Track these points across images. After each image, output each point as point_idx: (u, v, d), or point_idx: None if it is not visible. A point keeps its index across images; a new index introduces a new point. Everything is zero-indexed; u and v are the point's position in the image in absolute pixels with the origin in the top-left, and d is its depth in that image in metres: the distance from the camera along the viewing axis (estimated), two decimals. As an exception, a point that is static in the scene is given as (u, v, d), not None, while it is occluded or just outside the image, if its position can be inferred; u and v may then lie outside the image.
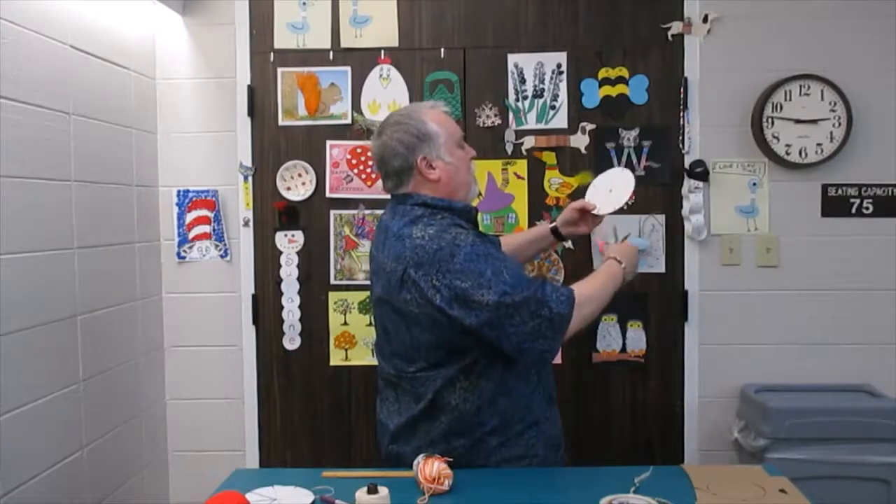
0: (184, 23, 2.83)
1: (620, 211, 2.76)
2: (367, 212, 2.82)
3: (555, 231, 2.18)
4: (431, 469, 1.63)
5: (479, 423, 1.76)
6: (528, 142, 2.78)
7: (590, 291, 1.75)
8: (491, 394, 1.75)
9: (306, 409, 2.88)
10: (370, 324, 2.83)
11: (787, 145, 2.72)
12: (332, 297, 2.85)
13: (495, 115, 2.79)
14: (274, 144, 2.84)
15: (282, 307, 2.86)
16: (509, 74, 2.79)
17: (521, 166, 2.79)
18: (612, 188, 2.09)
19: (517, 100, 2.79)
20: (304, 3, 2.80)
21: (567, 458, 1.97)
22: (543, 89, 2.79)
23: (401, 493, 1.58)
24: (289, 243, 2.85)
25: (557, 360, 2.80)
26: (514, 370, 1.76)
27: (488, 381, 1.74)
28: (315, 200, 2.83)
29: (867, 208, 2.76)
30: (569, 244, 2.78)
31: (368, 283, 2.71)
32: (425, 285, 1.66)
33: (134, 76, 2.67)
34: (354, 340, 2.85)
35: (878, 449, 2.45)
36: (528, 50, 2.79)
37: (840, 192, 2.76)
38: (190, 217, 2.86)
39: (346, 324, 2.85)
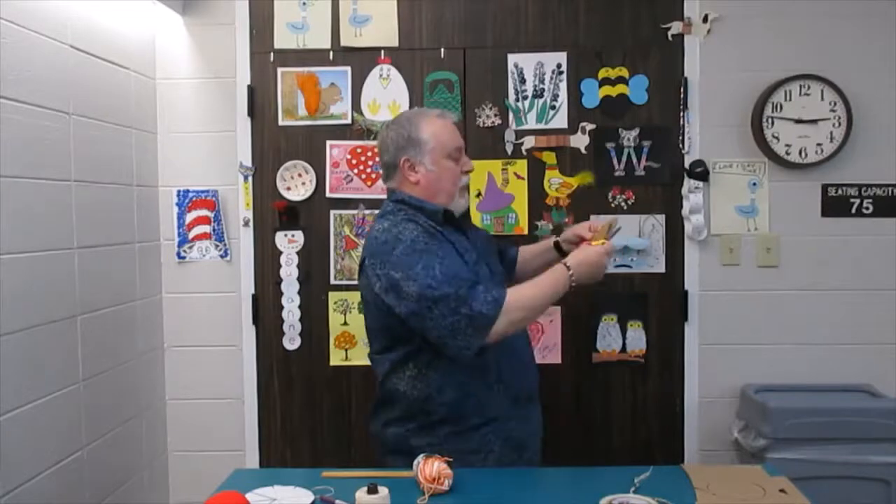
0: (184, 23, 2.82)
1: (620, 211, 2.79)
2: (367, 212, 2.82)
3: (557, 246, 2.22)
4: (431, 469, 1.63)
5: (427, 412, 1.87)
6: (528, 142, 2.78)
7: (524, 299, 1.80)
8: (438, 385, 1.84)
9: (306, 409, 2.88)
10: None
11: (787, 145, 2.72)
12: (332, 297, 2.85)
13: (495, 115, 2.79)
14: (274, 144, 2.84)
15: (282, 307, 2.86)
16: (509, 74, 2.79)
17: (521, 166, 2.79)
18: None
19: (517, 100, 2.79)
20: (304, 3, 2.80)
21: (541, 461, 2.01)
22: (543, 89, 2.79)
23: (401, 493, 1.58)
24: (289, 243, 2.85)
25: (557, 360, 2.80)
26: (467, 367, 1.82)
27: (435, 373, 1.84)
28: (315, 200, 2.83)
29: (867, 208, 2.76)
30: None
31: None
32: (371, 273, 1.83)
33: (134, 76, 2.67)
34: (354, 340, 2.85)
35: (878, 449, 2.44)
36: (528, 50, 2.79)
37: (840, 192, 2.76)
38: (190, 217, 2.85)
39: (346, 324, 2.85)
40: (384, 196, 2.73)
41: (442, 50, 2.80)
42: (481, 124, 2.79)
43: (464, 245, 1.92)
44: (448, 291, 1.72)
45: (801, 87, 2.71)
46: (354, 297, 2.84)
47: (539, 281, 1.86)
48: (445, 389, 1.85)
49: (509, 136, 2.79)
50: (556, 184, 2.79)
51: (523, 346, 2.01)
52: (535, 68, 2.79)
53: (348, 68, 2.81)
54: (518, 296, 1.79)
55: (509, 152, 2.79)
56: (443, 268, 1.76)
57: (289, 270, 2.85)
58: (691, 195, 2.75)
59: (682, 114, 2.76)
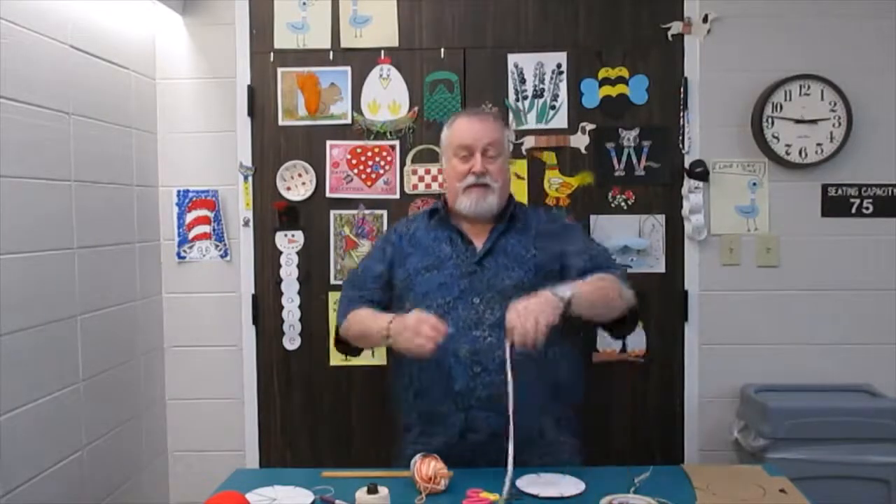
0: (184, 23, 2.82)
1: (620, 211, 2.79)
2: (367, 212, 2.82)
3: None
4: (428, 469, 1.63)
5: None
6: (528, 142, 2.78)
7: (351, 325, 1.96)
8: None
9: (306, 409, 2.88)
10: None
11: (787, 145, 2.72)
12: (332, 297, 2.84)
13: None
14: (274, 144, 2.84)
15: (282, 307, 2.86)
16: (509, 74, 2.79)
17: (521, 166, 2.79)
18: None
19: (517, 100, 2.79)
20: (304, 3, 2.80)
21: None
22: (543, 89, 2.79)
23: (401, 494, 1.59)
24: (289, 243, 2.85)
25: (557, 360, 2.80)
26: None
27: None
28: (315, 200, 2.83)
29: (867, 208, 2.76)
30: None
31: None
32: None
33: (134, 76, 2.67)
34: (354, 340, 2.84)
35: (878, 449, 2.44)
36: (528, 50, 2.78)
37: (840, 192, 2.76)
38: (190, 217, 2.85)
39: (346, 324, 2.85)
40: (384, 196, 2.78)
41: (442, 50, 2.80)
42: (481, 124, 2.78)
43: (435, 250, 1.90)
44: (345, 285, 2.11)
45: (801, 87, 2.71)
46: (354, 297, 2.84)
47: (365, 318, 1.91)
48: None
49: (509, 136, 2.78)
50: (556, 184, 2.79)
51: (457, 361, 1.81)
52: (535, 68, 2.79)
53: (348, 68, 2.81)
54: (350, 321, 1.96)
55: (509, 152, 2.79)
56: (358, 271, 2.07)
57: (289, 270, 2.85)
58: (691, 195, 2.74)
59: (682, 114, 2.76)
